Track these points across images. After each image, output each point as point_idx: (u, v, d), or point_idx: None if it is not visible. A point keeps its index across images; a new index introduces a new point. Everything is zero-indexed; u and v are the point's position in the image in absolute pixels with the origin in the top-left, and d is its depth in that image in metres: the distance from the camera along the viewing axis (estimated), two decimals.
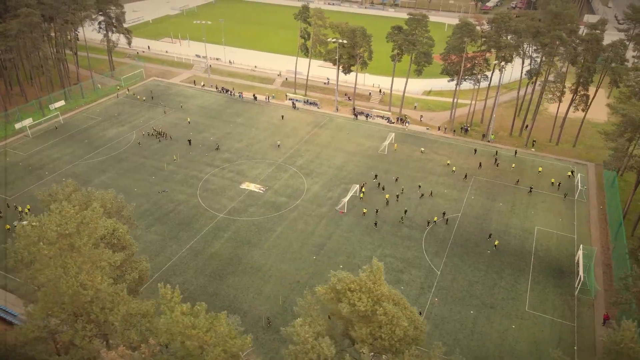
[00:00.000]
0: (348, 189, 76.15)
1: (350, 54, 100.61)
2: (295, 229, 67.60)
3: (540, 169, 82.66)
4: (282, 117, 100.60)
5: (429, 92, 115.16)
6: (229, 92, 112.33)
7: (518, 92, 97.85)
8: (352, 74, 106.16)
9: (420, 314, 51.02)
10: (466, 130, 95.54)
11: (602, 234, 67.94)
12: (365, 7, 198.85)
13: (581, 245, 63.29)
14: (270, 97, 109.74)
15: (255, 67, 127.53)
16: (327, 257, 62.20)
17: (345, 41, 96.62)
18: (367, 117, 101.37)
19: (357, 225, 68.39)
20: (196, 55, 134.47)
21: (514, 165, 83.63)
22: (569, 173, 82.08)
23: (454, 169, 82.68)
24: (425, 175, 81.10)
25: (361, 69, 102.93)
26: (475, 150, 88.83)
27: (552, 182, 78.78)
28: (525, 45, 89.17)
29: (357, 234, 66.64)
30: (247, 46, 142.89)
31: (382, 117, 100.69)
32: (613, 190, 77.07)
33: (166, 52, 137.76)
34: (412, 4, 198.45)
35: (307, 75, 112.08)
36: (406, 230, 67.70)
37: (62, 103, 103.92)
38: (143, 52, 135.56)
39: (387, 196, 74.32)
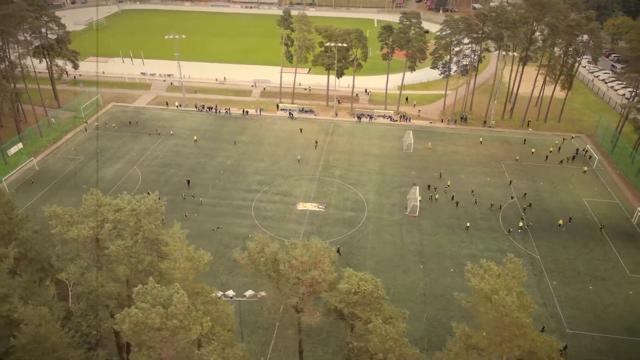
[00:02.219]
0: (404, 192, 75.33)
1: (344, 56, 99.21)
2: (385, 241, 64.95)
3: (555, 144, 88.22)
4: (301, 130, 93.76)
5: (403, 87, 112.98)
6: (214, 110, 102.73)
7: (505, 78, 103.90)
8: (332, 78, 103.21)
9: None
10: (465, 119, 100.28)
11: (634, 194, 76.19)
12: (279, 7, 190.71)
13: (638, 208, 70.29)
14: (260, 110, 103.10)
15: (217, 79, 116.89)
16: (434, 263, 61.28)
17: (344, 44, 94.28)
18: (370, 118, 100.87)
19: (438, 227, 68.03)
20: (142, 73, 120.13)
21: (533, 150, 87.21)
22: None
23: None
24: (462, 167, 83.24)
25: (357, 71, 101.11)
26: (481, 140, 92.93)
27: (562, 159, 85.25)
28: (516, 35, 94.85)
29: (444, 235, 66.29)
30: (191, 58, 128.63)
31: (384, 117, 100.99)
32: (615, 156, 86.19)
33: (103, 72, 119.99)
34: (330, 2, 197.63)
35: (294, 83, 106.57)
36: (483, 223, 68.43)
37: (20, 146, 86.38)
38: (80, 75, 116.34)
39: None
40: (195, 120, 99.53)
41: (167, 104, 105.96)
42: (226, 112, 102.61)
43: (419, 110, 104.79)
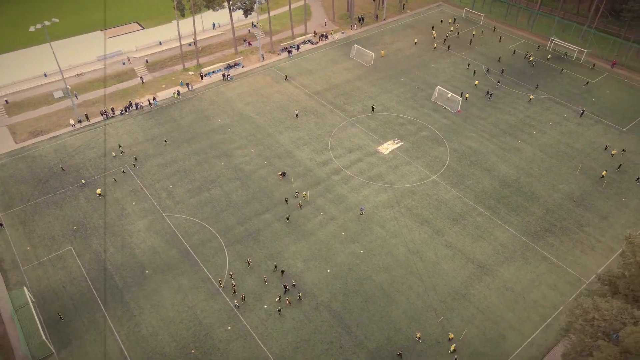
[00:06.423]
0: (426, 98, 77.74)
1: None
2: (482, 140, 67.61)
3: (450, 21, 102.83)
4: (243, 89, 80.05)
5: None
6: (132, 107, 73.63)
7: None
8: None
9: None
10: (362, 19, 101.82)
11: (521, 30, 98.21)
12: None
13: (551, 38, 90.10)
14: (189, 85, 79.11)
15: (45, 74, 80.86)
16: (536, 131, 69.83)
17: None
18: (298, 48, 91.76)
19: (491, 108, 74.08)
20: None
21: (452, 28, 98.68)
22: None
23: (435, 46, 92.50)
24: (423, 62, 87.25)
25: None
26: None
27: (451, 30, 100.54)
28: None
29: (504, 113, 73.43)
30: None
31: (305, 43, 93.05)
32: (481, 10, 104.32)
33: None
34: None
35: (195, 41, 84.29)
36: (501, 90, 78.08)
37: None
38: None
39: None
40: (130, 130, 70.14)
41: (77, 122, 70.07)
42: (151, 103, 75.51)
43: (325, 22, 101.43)
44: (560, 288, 50.67)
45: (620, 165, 65.99)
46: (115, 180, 62.12)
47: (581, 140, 71.04)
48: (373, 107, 77.62)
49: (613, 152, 68.50)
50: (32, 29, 64.68)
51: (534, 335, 46.16)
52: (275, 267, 52.34)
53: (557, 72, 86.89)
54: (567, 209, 59.81)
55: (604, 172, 64.53)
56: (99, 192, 60.27)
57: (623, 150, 68.54)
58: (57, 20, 67.09)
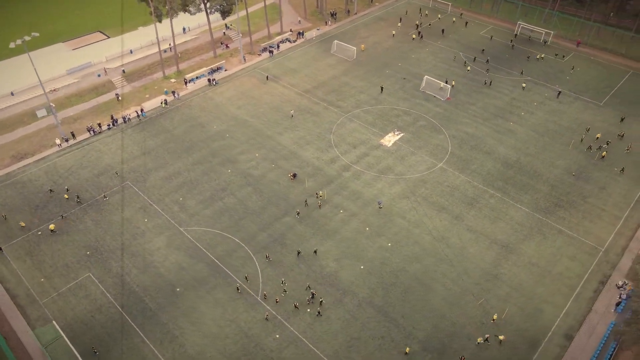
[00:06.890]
0: (415, 88, 78.96)
1: None
2: (477, 124, 69.70)
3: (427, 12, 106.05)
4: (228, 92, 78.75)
5: None
6: (121, 120, 70.25)
7: None
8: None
9: None
10: (334, 14, 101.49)
11: (486, 15, 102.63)
12: None
13: (519, 22, 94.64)
14: (175, 93, 75.87)
15: (13, 93, 75.56)
16: (525, 114, 73.49)
17: None
18: (278, 48, 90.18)
19: (476, 93, 76.99)
20: None
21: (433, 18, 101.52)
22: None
23: (414, 36, 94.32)
24: (404, 53, 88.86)
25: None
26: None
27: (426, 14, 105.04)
28: None
29: (490, 96, 76.25)
30: None
31: (283, 42, 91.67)
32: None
33: None
34: None
35: (174, 46, 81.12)
36: (495, 78, 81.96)
37: None
38: None
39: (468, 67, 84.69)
40: (124, 144, 66.69)
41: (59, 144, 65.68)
42: (139, 115, 71.71)
43: (300, 20, 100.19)
44: (580, 258, 53.54)
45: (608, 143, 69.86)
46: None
47: (565, 117, 75.08)
48: (382, 88, 79.67)
49: (598, 135, 70.50)
50: (12, 45, 59.70)
51: (567, 306, 48.64)
52: (299, 253, 52.31)
53: (532, 56, 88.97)
54: (568, 183, 63.25)
55: (604, 153, 66.66)
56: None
57: (608, 143, 68.89)
58: (38, 34, 61.61)
